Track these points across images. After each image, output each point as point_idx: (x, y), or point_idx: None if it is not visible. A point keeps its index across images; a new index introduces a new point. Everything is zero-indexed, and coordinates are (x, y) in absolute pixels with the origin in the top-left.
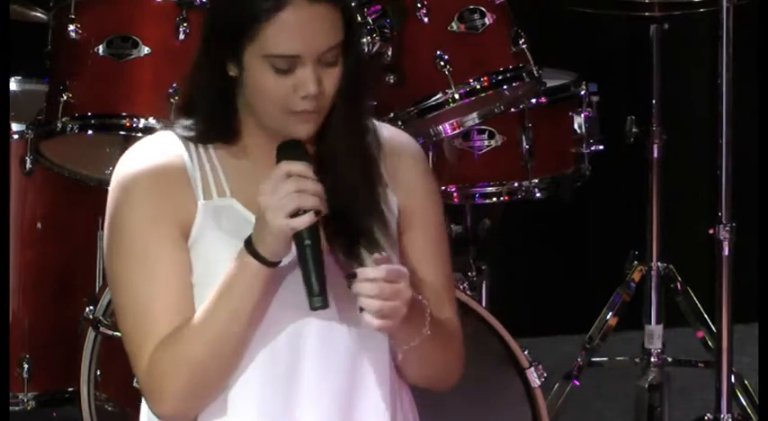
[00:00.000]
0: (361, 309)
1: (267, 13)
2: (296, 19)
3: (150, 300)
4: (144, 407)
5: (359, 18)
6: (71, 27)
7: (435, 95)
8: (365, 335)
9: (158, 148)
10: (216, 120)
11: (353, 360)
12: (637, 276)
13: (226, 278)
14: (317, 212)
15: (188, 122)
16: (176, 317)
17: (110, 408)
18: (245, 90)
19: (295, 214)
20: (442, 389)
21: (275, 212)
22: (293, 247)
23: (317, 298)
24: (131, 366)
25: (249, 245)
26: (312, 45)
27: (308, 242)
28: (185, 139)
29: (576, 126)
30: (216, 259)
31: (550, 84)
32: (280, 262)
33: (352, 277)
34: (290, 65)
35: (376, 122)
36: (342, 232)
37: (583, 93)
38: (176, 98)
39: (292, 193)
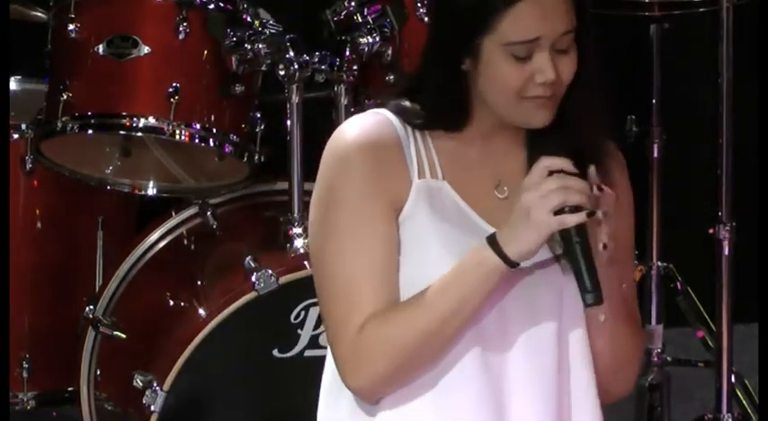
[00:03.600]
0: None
1: (505, 4)
2: (534, 4)
3: (359, 273)
4: (330, 376)
5: (587, 8)
6: (71, 27)
7: None
8: (568, 337)
9: (375, 123)
10: (445, 112)
11: (559, 362)
12: (637, 276)
13: (456, 270)
14: (590, 213)
15: (408, 105)
16: (382, 293)
17: (109, 408)
18: (481, 81)
19: (559, 211)
20: (616, 392)
21: (540, 208)
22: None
23: (591, 294)
24: (329, 336)
25: (493, 241)
26: (551, 28)
27: (577, 239)
28: (401, 119)
29: None
30: (424, 239)
31: None
32: (519, 264)
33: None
34: (529, 51)
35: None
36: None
37: None
38: (176, 98)
39: (558, 189)
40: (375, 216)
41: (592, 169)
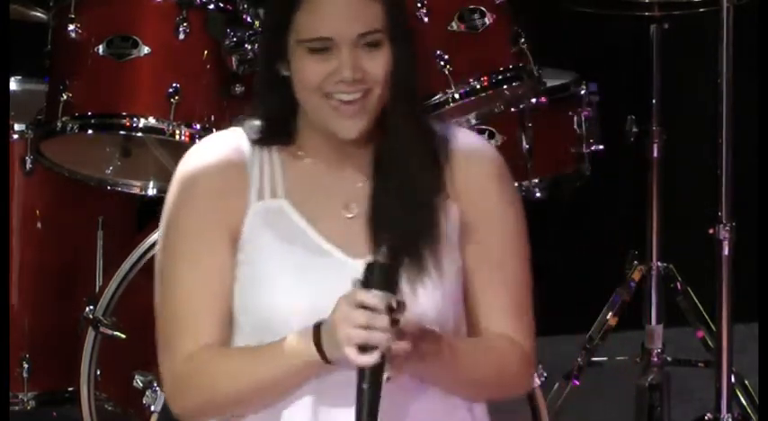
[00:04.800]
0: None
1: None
2: (328, 1)
3: (193, 301)
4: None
5: (401, 10)
6: (71, 27)
7: (435, 95)
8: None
9: (223, 147)
10: (273, 123)
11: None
12: (637, 276)
13: (283, 345)
14: (383, 354)
15: (254, 123)
16: (212, 323)
17: (110, 408)
18: (294, 85)
19: (363, 346)
20: (511, 395)
21: (343, 338)
22: None
23: None
24: (159, 357)
25: (318, 334)
26: (345, 28)
27: (365, 385)
28: (252, 139)
29: (575, 126)
30: (262, 261)
31: (550, 84)
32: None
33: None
34: (326, 48)
35: (452, 127)
36: (386, 240)
37: (583, 93)
38: (176, 98)
39: (362, 327)
40: (213, 244)
41: (397, 298)
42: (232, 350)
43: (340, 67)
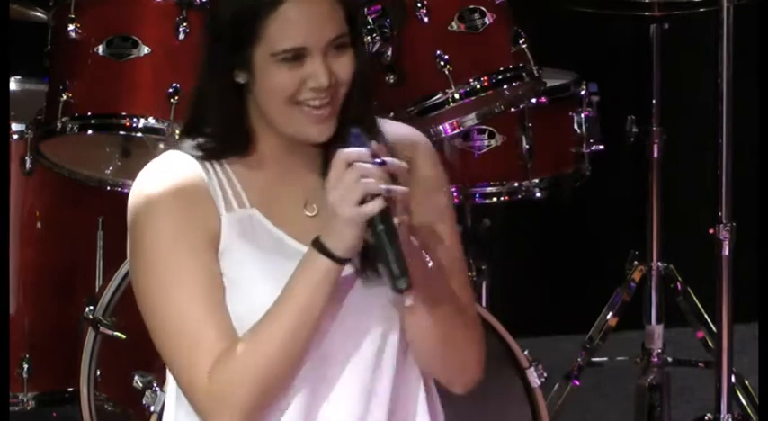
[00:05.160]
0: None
1: (267, 9)
2: (297, 11)
3: (191, 316)
4: (171, 404)
5: (356, 11)
6: (71, 27)
7: (435, 95)
8: (386, 343)
9: (174, 166)
10: (228, 132)
11: (377, 370)
12: (637, 276)
13: (289, 284)
14: (387, 196)
15: (196, 141)
16: (218, 330)
17: (110, 408)
18: (257, 94)
19: (364, 201)
20: (461, 383)
21: (343, 203)
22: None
23: (401, 279)
24: (183, 387)
25: (318, 243)
26: (317, 35)
27: (380, 227)
28: (197, 157)
29: (575, 126)
30: (242, 271)
31: (550, 84)
32: (349, 259)
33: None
34: (299, 58)
35: (385, 120)
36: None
37: (583, 93)
38: (176, 98)
39: (357, 181)
40: (193, 257)
41: (373, 144)
42: (245, 333)
43: (314, 75)
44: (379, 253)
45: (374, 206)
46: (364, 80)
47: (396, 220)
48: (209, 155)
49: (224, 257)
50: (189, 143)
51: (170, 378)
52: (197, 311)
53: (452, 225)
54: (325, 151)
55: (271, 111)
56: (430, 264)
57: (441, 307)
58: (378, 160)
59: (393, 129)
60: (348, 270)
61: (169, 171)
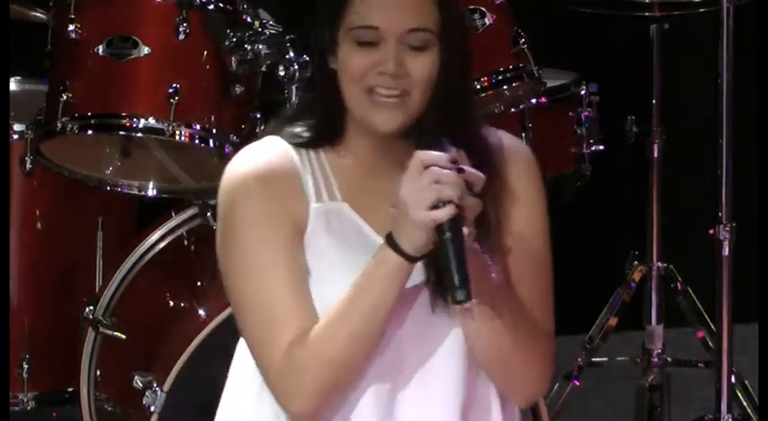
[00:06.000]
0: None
1: None
2: None
3: (276, 295)
4: (228, 401)
5: (454, 14)
6: (71, 27)
7: None
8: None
9: (269, 151)
10: (324, 121)
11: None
12: (637, 276)
13: (363, 274)
14: (457, 207)
15: (296, 129)
16: (301, 311)
17: (110, 408)
18: (339, 76)
19: (435, 206)
20: (521, 396)
21: (415, 205)
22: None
23: (460, 291)
24: (260, 364)
25: (390, 239)
26: (394, 20)
27: (447, 234)
28: (294, 145)
29: (575, 126)
30: (321, 263)
31: (550, 84)
32: (420, 257)
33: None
34: (373, 39)
35: (489, 128)
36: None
37: (583, 93)
38: (176, 98)
39: (431, 185)
40: (282, 239)
41: (454, 150)
42: (321, 319)
43: (384, 60)
44: (443, 260)
45: (444, 213)
46: (451, 88)
47: (465, 230)
48: (305, 143)
49: (309, 248)
50: (288, 130)
51: (237, 370)
52: (281, 293)
53: (542, 240)
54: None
55: (346, 94)
56: (494, 276)
57: (504, 319)
58: (456, 167)
59: (497, 137)
60: (419, 277)
61: (264, 156)
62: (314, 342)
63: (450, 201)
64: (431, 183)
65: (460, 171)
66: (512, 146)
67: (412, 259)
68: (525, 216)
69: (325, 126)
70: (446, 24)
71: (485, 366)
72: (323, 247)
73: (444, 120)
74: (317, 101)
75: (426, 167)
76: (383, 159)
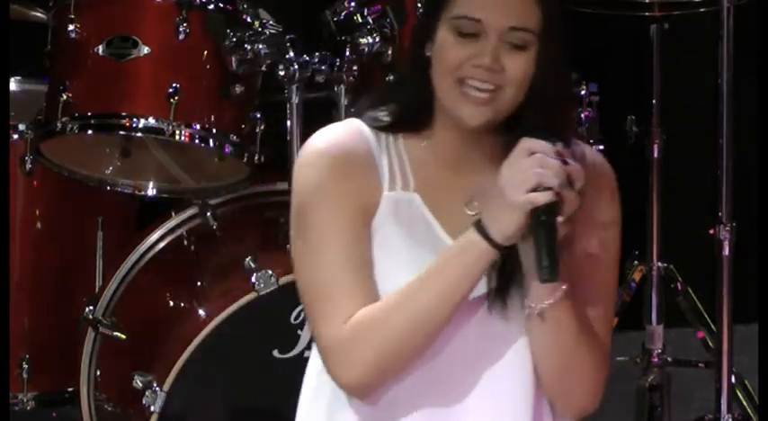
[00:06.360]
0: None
1: None
2: None
3: (345, 268)
4: (311, 384)
5: (555, 17)
6: (71, 27)
7: None
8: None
9: (349, 132)
10: (411, 107)
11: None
12: (637, 276)
13: (443, 256)
14: (556, 195)
15: (379, 112)
16: (366, 287)
17: (109, 408)
18: (433, 63)
19: (535, 191)
20: (573, 410)
21: (516, 187)
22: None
23: (547, 269)
24: (314, 330)
25: (478, 224)
26: (497, 16)
27: (543, 217)
28: (374, 129)
29: (575, 126)
30: (384, 253)
31: None
32: (505, 248)
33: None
34: (474, 31)
35: (574, 138)
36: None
37: (583, 93)
38: (176, 98)
39: (534, 169)
40: (354, 217)
41: (559, 144)
42: (385, 298)
43: (480, 53)
44: (535, 241)
45: (544, 196)
46: (546, 91)
47: (559, 219)
48: (386, 127)
49: (376, 235)
50: (370, 114)
51: (314, 354)
52: (350, 267)
53: (613, 262)
54: (495, 150)
55: (438, 83)
56: (563, 287)
57: (569, 329)
58: (561, 158)
59: (581, 149)
60: (481, 290)
61: (344, 136)
62: (379, 314)
63: (550, 188)
64: (535, 167)
65: (565, 163)
66: (596, 161)
67: (498, 247)
68: (601, 237)
69: (411, 113)
70: (547, 26)
71: (544, 377)
72: (389, 237)
73: (540, 120)
74: (404, 86)
75: (531, 154)
76: (465, 154)
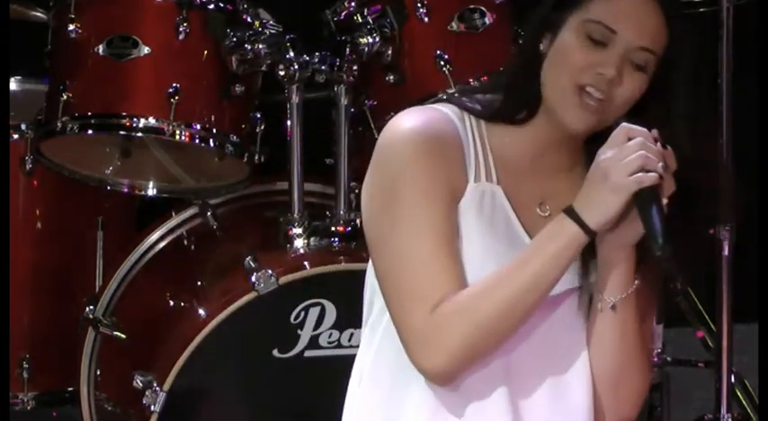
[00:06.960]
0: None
1: None
2: (631, 2)
3: (434, 251)
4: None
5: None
6: (71, 27)
7: (435, 95)
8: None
9: (435, 118)
10: (513, 99)
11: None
12: None
13: (534, 244)
14: (659, 177)
15: (480, 96)
16: (454, 271)
17: (109, 408)
18: (549, 60)
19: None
20: (618, 415)
21: (620, 171)
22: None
23: (664, 243)
24: (397, 318)
25: (571, 211)
26: (632, 32)
27: (651, 197)
28: (462, 117)
29: None
30: (468, 243)
31: None
32: (596, 233)
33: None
34: (604, 40)
35: None
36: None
37: None
38: (176, 98)
39: (638, 153)
40: (443, 200)
41: (654, 131)
42: (475, 283)
43: (606, 62)
44: (646, 218)
45: (650, 178)
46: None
47: (664, 200)
48: (479, 113)
49: (458, 223)
50: (463, 100)
51: (370, 333)
52: (439, 250)
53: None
54: (576, 156)
55: (552, 80)
56: (636, 282)
57: (631, 325)
58: (660, 143)
59: None
60: (566, 285)
61: (436, 119)
62: (468, 300)
63: (653, 171)
64: (638, 149)
65: (664, 148)
66: None
67: (589, 232)
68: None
69: (516, 106)
70: (666, 57)
71: (598, 377)
72: (469, 227)
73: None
74: (509, 77)
75: (630, 139)
76: (547, 155)
